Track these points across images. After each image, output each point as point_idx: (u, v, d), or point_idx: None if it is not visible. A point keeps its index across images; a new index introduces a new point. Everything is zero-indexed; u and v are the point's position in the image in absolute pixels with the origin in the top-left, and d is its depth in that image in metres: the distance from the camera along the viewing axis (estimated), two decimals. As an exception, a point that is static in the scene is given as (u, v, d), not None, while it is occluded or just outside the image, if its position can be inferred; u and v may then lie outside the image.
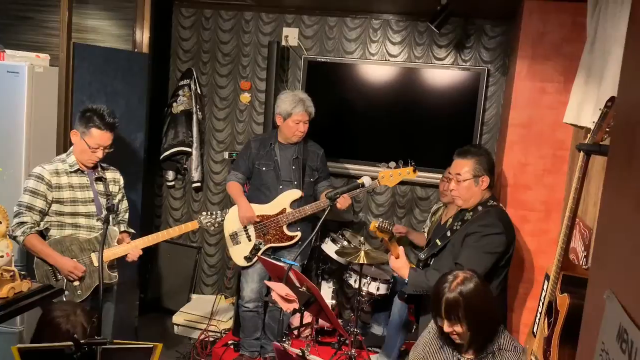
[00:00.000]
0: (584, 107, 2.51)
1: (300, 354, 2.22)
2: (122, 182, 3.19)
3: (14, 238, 2.79)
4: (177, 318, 4.46)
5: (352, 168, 4.46)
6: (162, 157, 4.68)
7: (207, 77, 4.76)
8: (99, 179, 3.04)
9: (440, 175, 3.92)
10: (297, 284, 2.65)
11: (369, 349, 3.85)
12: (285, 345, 2.39)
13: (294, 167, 3.65)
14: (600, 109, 1.86)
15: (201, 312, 4.43)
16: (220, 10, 4.66)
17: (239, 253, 3.65)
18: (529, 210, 3.43)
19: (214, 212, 3.30)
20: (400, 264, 2.77)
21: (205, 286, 4.93)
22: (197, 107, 4.69)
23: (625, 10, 2.05)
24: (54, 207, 2.91)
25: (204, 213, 3.30)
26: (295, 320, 4.01)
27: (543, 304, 2.12)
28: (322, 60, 4.44)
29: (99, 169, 3.06)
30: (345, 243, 4.04)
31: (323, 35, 4.51)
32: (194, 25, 4.73)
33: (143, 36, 4.08)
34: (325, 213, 3.06)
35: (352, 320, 3.78)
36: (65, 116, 3.52)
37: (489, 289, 2.29)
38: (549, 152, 3.41)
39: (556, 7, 3.29)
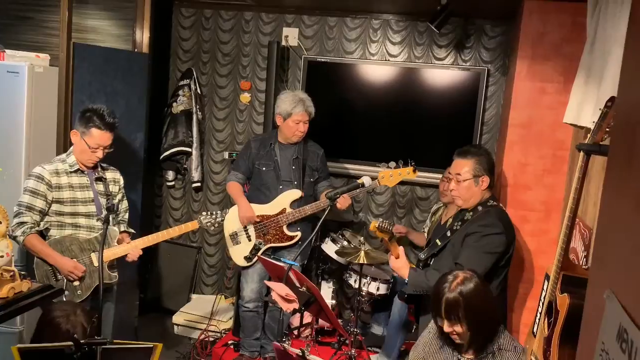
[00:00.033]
0: (583, 107, 2.51)
1: (300, 354, 2.22)
2: (122, 182, 3.18)
3: (14, 238, 2.79)
4: (177, 318, 4.46)
5: (352, 168, 4.46)
6: (162, 157, 4.68)
7: (207, 77, 4.76)
8: (99, 179, 3.04)
9: (440, 176, 3.92)
10: (297, 284, 2.65)
11: (369, 349, 3.85)
12: (285, 345, 2.39)
13: (294, 167, 3.65)
14: (600, 109, 1.86)
15: (201, 312, 4.43)
16: (220, 10, 4.66)
17: (239, 253, 3.65)
18: (529, 211, 3.43)
19: (214, 212, 3.30)
20: (400, 264, 2.77)
21: (205, 286, 4.93)
22: (197, 107, 4.69)
23: (625, 10, 2.05)
24: (54, 207, 2.91)
25: (204, 213, 3.30)
26: (295, 320, 4.01)
27: (543, 304, 2.12)
28: (322, 60, 4.44)
29: (99, 169, 3.06)
30: (345, 243, 4.04)
31: (323, 35, 4.51)
32: (194, 25, 4.73)
33: (143, 36, 4.08)
34: (325, 213, 3.06)
35: (352, 320, 3.78)
36: (65, 116, 3.52)
37: (489, 289, 2.29)
38: (549, 152, 3.41)
39: (556, 7, 3.29)
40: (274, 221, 3.58)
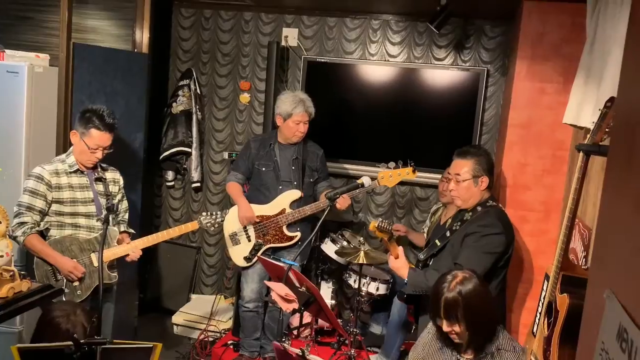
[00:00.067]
0: (583, 107, 2.52)
1: (300, 353, 2.22)
2: (121, 182, 3.18)
3: (14, 238, 2.79)
4: (177, 318, 4.46)
5: (352, 168, 4.46)
6: (161, 157, 4.68)
7: (207, 77, 4.76)
8: (99, 179, 3.04)
9: (439, 176, 3.92)
10: (297, 284, 2.65)
11: (369, 349, 3.85)
12: (285, 344, 2.39)
13: (293, 168, 3.65)
14: (599, 110, 1.86)
15: (201, 312, 4.43)
16: (219, 10, 4.66)
17: (238, 253, 3.65)
18: (529, 211, 3.44)
19: (214, 213, 3.30)
20: (400, 264, 2.77)
21: (205, 286, 4.93)
22: (197, 107, 4.69)
23: (624, 11, 2.06)
24: (54, 207, 2.91)
25: (204, 213, 3.30)
26: (295, 320, 4.01)
27: (543, 304, 2.12)
28: (322, 60, 4.45)
29: (99, 169, 3.06)
30: (345, 243, 4.05)
31: (323, 36, 4.51)
32: (194, 25, 4.73)
33: (143, 36, 4.08)
34: (325, 213, 3.06)
35: (351, 321, 3.78)
36: (65, 116, 3.52)
37: (488, 290, 2.29)
38: (549, 152, 3.41)
39: (555, 7, 3.30)
40: (273, 221, 3.58)
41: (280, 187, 3.62)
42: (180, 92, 4.65)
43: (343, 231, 4.24)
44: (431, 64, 4.34)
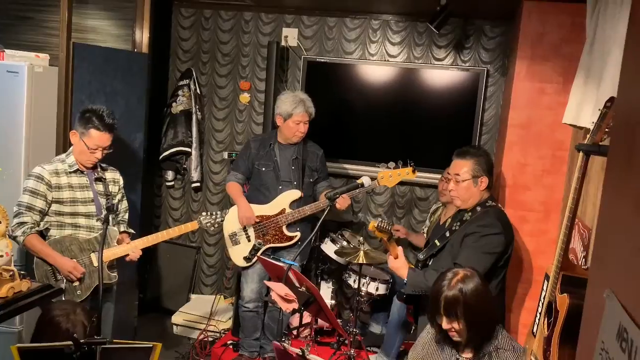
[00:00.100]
0: (583, 107, 2.52)
1: (300, 353, 2.22)
2: (121, 182, 3.19)
3: (14, 238, 2.79)
4: (177, 318, 4.46)
5: (352, 168, 4.47)
6: (161, 157, 4.68)
7: (207, 77, 4.76)
8: (99, 179, 3.04)
9: (439, 176, 3.92)
10: (297, 284, 2.65)
11: (368, 348, 3.85)
12: (285, 344, 2.39)
13: (293, 168, 3.65)
14: (599, 110, 1.86)
15: (200, 312, 4.43)
16: (219, 10, 4.66)
17: (238, 253, 3.65)
18: (528, 211, 3.44)
19: (214, 213, 3.30)
20: (399, 264, 2.77)
21: (205, 286, 4.93)
22: (197, 107, 4.69)
23: (624, 11, 2.06)
24: (54, 207, 2.91)
25: (203, 213, 3.30)
26: (295, 320, 4.00)
27: (543, 304, 2.12)
28: (322, 60, 4.45)
29: (99, 169, 3.06)
30: (345, 243, 4.05)
31: (322, 36, 4.51)
32: (194, 25, 4.73)
33: (143, 36, 4.08)
34: (325, 213, 3.06)
35: (351, 321, 3.79)
36: (64, 116, 3.52)
37: (488, 289, 2.29)
38: (548, 152, 3.41)
39: (555, 7, 3.30)
40: (273, 221, 3.58)
41: (280, 187, 3.62)
42: (180, 92, 4.65)
43: (343, 231, 4.25)
44: (431, 64, 4.34)
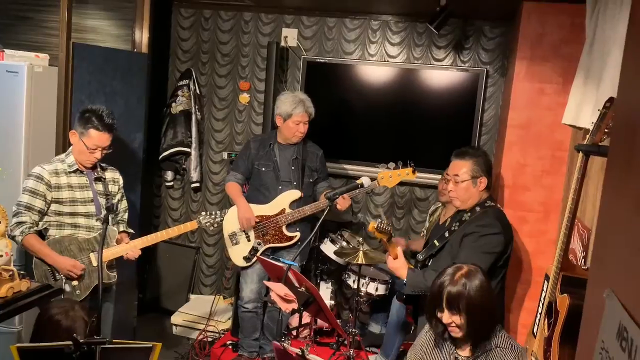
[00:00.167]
0: (582, 108, 2.52)
1: (300, 353, 2.22)
2: (121, 182, 3.18)
3: (13, 238, 2.79)
4: (176, 318, 4.46)
5: (351, 169, 4.47)
6: (161, 157, 4.68)
7: (206, 77, 4.76)
8: (98, 179, 3.04)
9: (439, 176, 3.92)
10: (296, 284, 2.65)
11: (368, 349, 3.85)
12: (285, 344, 2.39)
13: (293, 168, 3.65)
14: (599, 110, 1.87)
15: (200, 313, 4.43)
16: (219, 10, 4.67)
17: (238, 253, 3.65)
18: (528, 211, 3.44)
19: (213, 213, 3.30)
20: (399, 265, 2.77)
21: (204, 286, 4.93)
22: (196, 107, 4.69)
23: (624, 11, 2.06)
24: (53, 207, 2.91)
25: (203, 213, 3.30)
26: (294, 321, 4.00)
27: (543, 304, 2.13)
28: (321, 61, 4.45)
29: (98, 169, 3.06)
30: (344, 243, 4.05)
31: (322, 36, 4.52)
32: (193, 25, 4.73)
33: (142, 36, 4.08)
34: (325, 213, 3.06)
35: (350, 321, 3.78)
36: (64, 116, 3.52)
37: (491, 286, 2.29)
38: (548, 153, 3.41)
39: (555, 8, 3.30)
40: (273, 221, 3.58)
41: (280, 187, 3.62)
42: (179, 92, 4.65)
43: (342, 231, 4.24)
44: (430, 64, 4.34)
